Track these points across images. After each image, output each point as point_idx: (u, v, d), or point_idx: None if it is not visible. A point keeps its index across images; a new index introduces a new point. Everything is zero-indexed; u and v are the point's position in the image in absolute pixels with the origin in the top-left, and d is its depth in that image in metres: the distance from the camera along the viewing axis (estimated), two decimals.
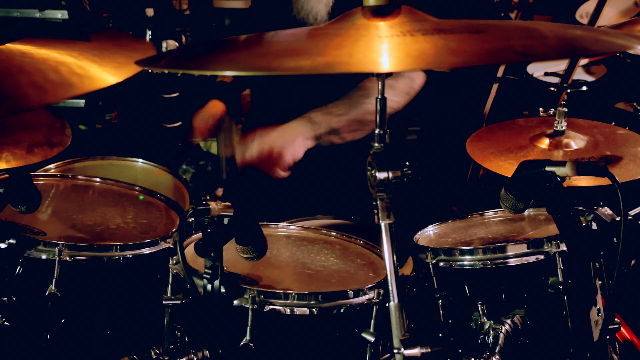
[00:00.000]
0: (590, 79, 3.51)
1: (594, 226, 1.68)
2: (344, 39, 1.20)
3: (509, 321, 1.84)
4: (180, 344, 1.73)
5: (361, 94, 2.37)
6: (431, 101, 2.75)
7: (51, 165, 2.41)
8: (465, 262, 1.87)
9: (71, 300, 1.81)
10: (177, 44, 3.97)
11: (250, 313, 1.63)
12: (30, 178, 1.74)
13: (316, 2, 2.50)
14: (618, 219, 1.62)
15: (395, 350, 1.32)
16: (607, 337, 1.74)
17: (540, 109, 2.24)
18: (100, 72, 1.37)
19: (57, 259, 1.78)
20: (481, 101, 3.40)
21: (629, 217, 1.54)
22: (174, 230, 1.98)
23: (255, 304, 1.64)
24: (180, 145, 2.39)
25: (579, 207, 1.65)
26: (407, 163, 1.39)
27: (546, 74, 3.51)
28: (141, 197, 2.21)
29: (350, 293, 1.69)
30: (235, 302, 1.65)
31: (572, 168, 1.50)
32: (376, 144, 1.35)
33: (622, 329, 2.30)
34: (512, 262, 1.84)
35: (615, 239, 1.59)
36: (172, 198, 2.20)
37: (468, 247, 1.88)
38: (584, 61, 3.52)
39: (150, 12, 3.90)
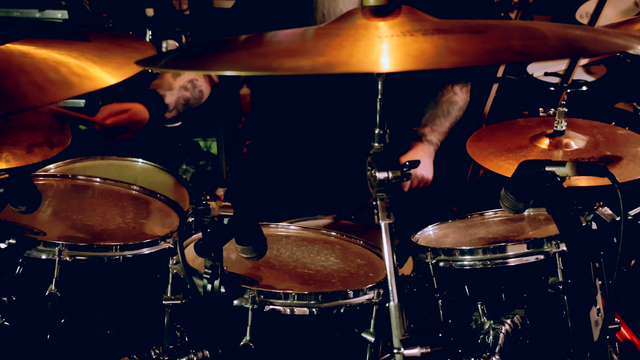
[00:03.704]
0: (590, 79, 3.51)
1: (594, 226, 1.68)
2: (344, 39, 1.20)
3: (509, 321, 1.84)
4: (180, 344, 1.73)
5: (451, 102, 2.69)
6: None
7: (51, 165, 2.40)
8: (465, 262, 1.87)
9: (71, 300, 1.81)
10: (177, 44, 3.97)
11: (250, 313, 1.63)
12: (30, 178, 1.74)
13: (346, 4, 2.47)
14: (618, 219, 1.62)
15: (395, 350, 1.32)
16: (607, 337, 1.74)
17: (540, 109, 2.24)
18: (100, 72, 1.37)
19: (57, 259, 1.78)
20: (481, 101, 3.39)
21: (629, 217, 1.54)
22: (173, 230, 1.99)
23: (255, 304, 1.64)
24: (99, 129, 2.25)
25: (579, 207, 1.64)
26: (407, 163, 1.39)
27: (546, 74, 3.51)
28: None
29: (350, 293, 1.69)
30: (235, 302, 1.65)
31: (572, 168, 1.50)
32: (376, 144, 1.35)
33: (622, 329, 2.30)
34: (512, 262, 1.84)
35: (615, 239, 1.59)
36: (172, 198, 2.20)
37: (468, 247, 1.88)
38: (584, 61, 3.51)
39: (150, 12, 3.89)
